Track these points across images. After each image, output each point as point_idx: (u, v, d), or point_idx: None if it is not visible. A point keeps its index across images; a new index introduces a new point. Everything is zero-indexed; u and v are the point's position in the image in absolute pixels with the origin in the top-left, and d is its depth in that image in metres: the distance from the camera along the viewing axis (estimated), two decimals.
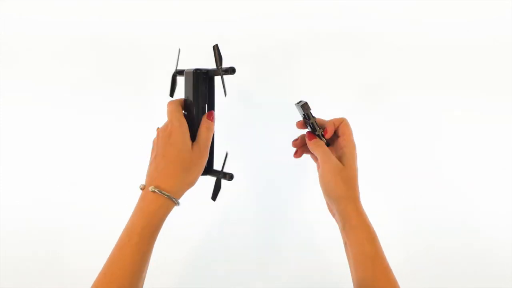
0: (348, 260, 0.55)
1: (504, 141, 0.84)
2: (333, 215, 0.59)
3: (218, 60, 0.56)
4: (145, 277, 0.53)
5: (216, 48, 0.56)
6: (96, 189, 0.86)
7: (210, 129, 0.57)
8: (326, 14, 0.85)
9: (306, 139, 0.59)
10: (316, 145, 0.58)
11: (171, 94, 0.65)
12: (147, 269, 0.53)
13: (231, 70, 0.55)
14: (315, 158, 0.61)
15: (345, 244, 0.56)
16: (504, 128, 0.84)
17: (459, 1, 0.83)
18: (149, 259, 0.53)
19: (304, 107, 0.58)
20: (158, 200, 0.52)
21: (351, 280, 0.54)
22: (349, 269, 0.55)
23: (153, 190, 0.52)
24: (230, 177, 0.60)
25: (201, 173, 0.57)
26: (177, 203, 0.54)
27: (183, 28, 0.86)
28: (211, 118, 0.58)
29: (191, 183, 0.56)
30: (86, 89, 0.87)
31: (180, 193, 0.55)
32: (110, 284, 0.49)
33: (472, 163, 0.85)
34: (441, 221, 0.84)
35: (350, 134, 0.58)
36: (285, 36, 0.85)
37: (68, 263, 0.83)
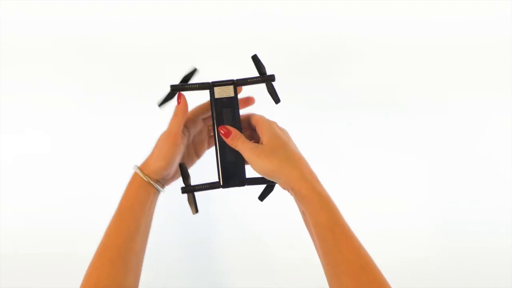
0: (308, 229, 0.54)
1: (506, 141, 0.85)
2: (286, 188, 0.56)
3: (261, 69, 0.57)
4: (140, 251, 0.57)
5: (256, 58, 0.57)
6: (97, 189, 0.86)
7: (174, 113, 0.58)
8: (325, 15, 0.85)
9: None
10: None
11: (161, 105, 0.59)
12: (140, 243, 0.57)
13: (273, 78, 0.57)
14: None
15: (302, 213, 0.54)
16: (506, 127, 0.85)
17: (460, 1, 0.84)
18: (135, 230, 0.56)
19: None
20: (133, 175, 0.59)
21: None
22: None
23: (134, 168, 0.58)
24: None
25: (165, 156, 0.56)
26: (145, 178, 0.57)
27: (183, 28, 0.86)
28: (178, 101, 0.58)
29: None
30: (88, 89, 0.87)
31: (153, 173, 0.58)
32: (103, 253, 0.57)
33: (470, 161, 0.85)
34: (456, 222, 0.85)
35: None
36: (286, 36, 0.86)
37: (68, 263, 0.83)
